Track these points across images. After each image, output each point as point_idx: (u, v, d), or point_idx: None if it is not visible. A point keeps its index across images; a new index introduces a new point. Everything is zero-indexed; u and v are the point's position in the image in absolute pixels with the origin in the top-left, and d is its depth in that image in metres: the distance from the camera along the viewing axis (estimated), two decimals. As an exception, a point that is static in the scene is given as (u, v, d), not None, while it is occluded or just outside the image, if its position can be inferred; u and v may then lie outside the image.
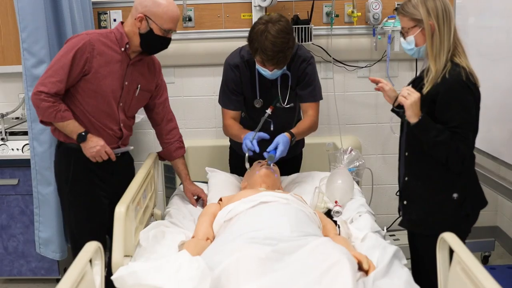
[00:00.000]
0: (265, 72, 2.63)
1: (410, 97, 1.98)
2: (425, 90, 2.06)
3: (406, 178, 2.23)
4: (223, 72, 2.84)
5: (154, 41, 2.43)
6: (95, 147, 2.42)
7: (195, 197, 2.75)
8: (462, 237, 2.04)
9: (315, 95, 2.82)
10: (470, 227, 2.21)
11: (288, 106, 2.81)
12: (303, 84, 2.79)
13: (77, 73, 2.35)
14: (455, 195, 2.10)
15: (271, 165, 2.62)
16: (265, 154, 2.59)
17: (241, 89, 2.80)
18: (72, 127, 2.40)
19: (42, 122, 2.46)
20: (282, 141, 2.60)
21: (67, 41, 2.42)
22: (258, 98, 2.78)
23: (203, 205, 2.70)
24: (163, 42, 2.45)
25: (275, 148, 2.58)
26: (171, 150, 2.75)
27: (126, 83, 2.49)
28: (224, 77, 2.84)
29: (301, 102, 2.85)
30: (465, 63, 2.03)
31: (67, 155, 2.51)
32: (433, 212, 2.16)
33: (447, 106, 1.99)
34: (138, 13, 2.38)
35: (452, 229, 1.81)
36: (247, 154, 2.58)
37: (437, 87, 1.98)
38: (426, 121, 1.99)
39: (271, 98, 2.77)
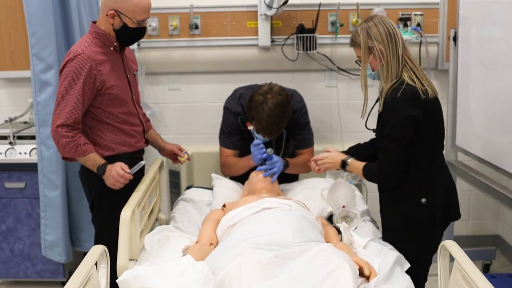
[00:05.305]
0: (259, 136, 2.75)
1: (323, 166, 2.52)
2: (381, 109, 2.24)
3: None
4: (223, 114, 2.97)
5: (130, 35, 2.40)
6: (109, 175, 2.34)
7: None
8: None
9: (307, 142, 2.96)
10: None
11: None
12: (295, 133, 2.93)
13: (90, 93, 2.32)
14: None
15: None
16: (264, 155, 2.76)
17: (240, 131, 2.91)
18: (93, 161, 2.36)
19: (64, 158, 2.43)
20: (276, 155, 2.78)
21: (64, 64, 2.33)
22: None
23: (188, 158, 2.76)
24: (139, 32, 2.42)
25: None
26: (147, 126, 2.72)
27: (128, 76, 2.51)
28: (224, 119, 2.96)
29: (295, 148, 2.99)
30: (408, 77, 2.18)
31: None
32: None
33: (385, 123, 2.23)
34: (108, 9, 2.32)
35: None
36: (264, 155, 2.76)
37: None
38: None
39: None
